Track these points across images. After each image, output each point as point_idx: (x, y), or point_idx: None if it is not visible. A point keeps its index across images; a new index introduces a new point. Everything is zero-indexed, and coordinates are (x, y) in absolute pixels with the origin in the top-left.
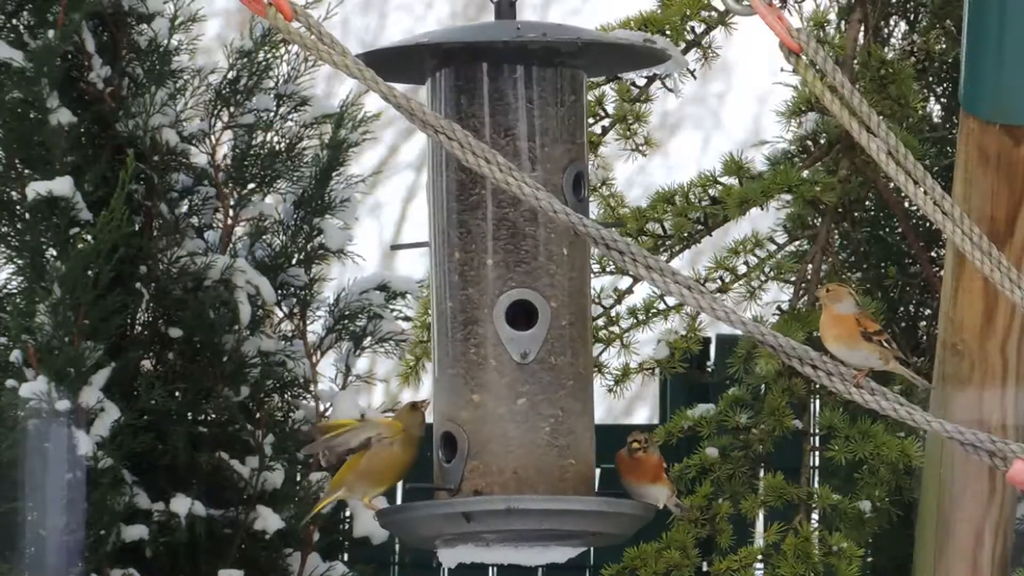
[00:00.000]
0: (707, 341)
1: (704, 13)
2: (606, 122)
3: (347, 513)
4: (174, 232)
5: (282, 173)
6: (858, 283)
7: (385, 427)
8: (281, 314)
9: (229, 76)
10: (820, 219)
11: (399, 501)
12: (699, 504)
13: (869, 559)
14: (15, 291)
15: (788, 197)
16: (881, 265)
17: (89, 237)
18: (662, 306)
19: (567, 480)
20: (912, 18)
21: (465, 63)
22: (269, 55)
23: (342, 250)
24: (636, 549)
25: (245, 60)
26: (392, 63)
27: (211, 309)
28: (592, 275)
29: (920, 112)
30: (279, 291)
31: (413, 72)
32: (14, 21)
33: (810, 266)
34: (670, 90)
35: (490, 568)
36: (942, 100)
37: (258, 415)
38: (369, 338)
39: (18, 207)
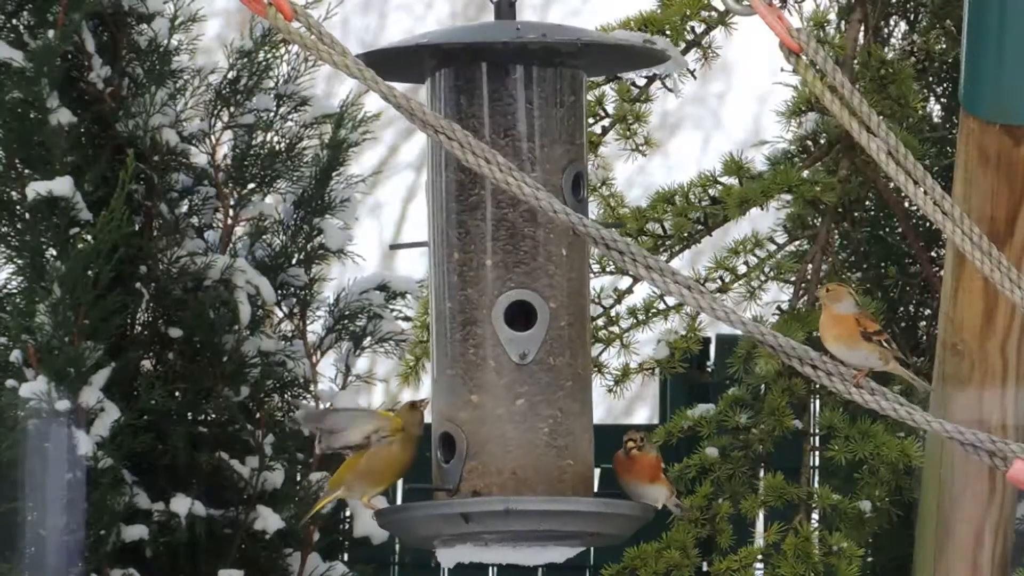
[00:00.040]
0: (707, 341)
1: (704, 13)
2: (606, 122)
3: (347, 513)
4: (174, 232)
5: (282, 173)
6: (858, 283)
7: (385, 423)
8: (281, 314)
9: (229, 76)
10: (820, 219)
11: (399, 501)
12: (699, 504)
13: (869, 559)
14: (15, 291)
15: (788, 197)
16: (881, 265)
17: (89, 237)
18: (662, 306)
19: (565, 481)
20: (912, 18)
21: (465, 63)
22: (269, 55)
23: (342, 250)
24: (636, 549)
25: (245, 60)
26: (392, 63)
27: (211, 309)
28: (592, 275)
29: (920, 112)
30: (279, 291)
31: (413, 72)
32: (14, 21)
33: (810, 266)
34: (670, 90)
35: (490, 568)
36: (942, 100)
37: (258, 415)
38: (369, 338)
39: (18, 207)
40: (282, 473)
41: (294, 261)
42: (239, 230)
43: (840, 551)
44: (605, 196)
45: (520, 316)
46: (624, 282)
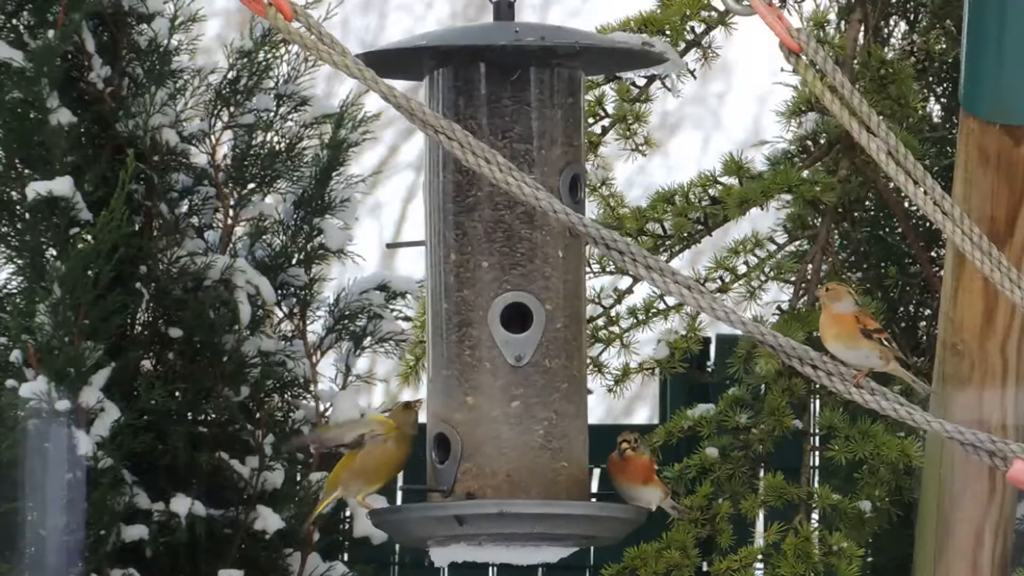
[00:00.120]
0: (707, 341)
1: (704, 13)
2: (606, 122)
3: (347, 513)
4: (174, 232)
5: (282, 173)
6: (858, 283)
7: (378, 424)
8: (281, 314)
9: (229, 76)
10: (820, 219)
11: (399, 502)
12: (699, 504)
13: (869, 559)
14: (15, 291)
15: (788, 197)
16: (881, 265)
17: (89, 237)
18: (662, 306)
19: (560, 483)
20: (912, 18)
21: (463, 64)
22: (269, 55)
23: (342, 250)
24: (636, 549)
25: (245, 60)
26: (392, 63)
27: (211, 309)
28: (592, 275)
29: (920, 112)
30: (279, 291)
31: (413, 72)
32: (14, 21)
33: (810, 266)
34: (669, 90)
35: (490, 568)
36: (942, 100)
37: (258, 415)
38: (369, 338)
39: (18, 207)
40: (282, 473)
41: (294, 261)
42: (239, 230)
43: (840, 551)
44: (605, 196)
45: (516, 318)
46: (624, 282)
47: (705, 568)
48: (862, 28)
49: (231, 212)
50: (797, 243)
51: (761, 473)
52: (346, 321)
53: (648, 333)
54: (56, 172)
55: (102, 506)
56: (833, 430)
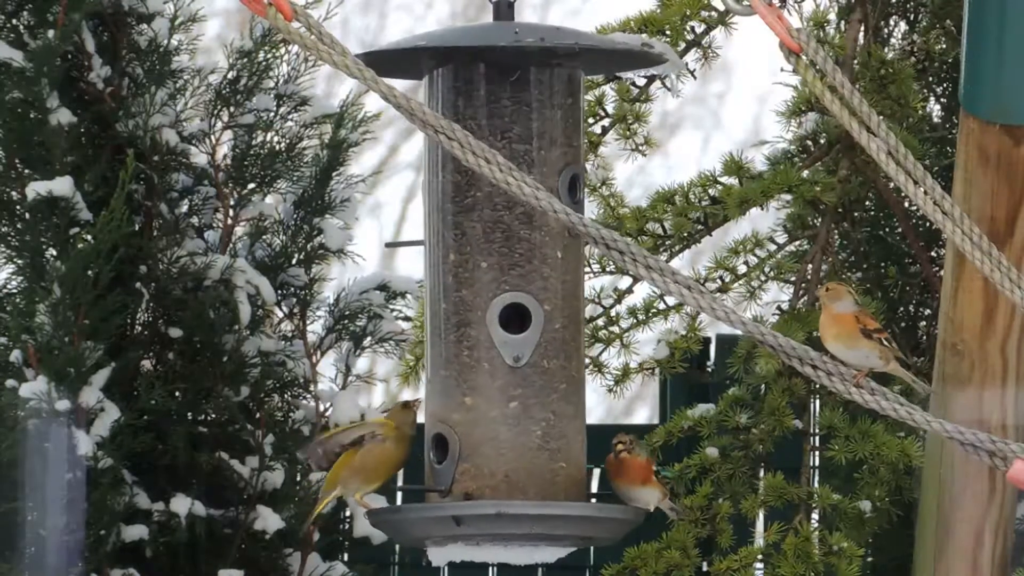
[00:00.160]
0: (707, 341)
1: (704, 13)
2: (606, 122)
3: (347, 513)
4: (174, 232)
5: (282, 173)
6: (858, 283)
7: (377, 425)
8: (281, 314)
9: (229, 76)
10: (820, 219)
11: (399, 502)
12: (699, 504)
13: (869, 559)
14: (15, 291)
15: (788, 197)
16: (881, 265)
17: (89, 237)
18: (662, 306)
19: (558, 484)
20: (912, 18)
21: (463, 65)
22: (269, 55)
23: (342, 250)
24: (636, 549)
25: (245, 60)
26: (391, 63)
27: (211, 309)
28: (592, 275)
29: (920, 112)
30: (279, 291)
31: (412, 72)
32: (14, 21)
33: (810, 266)
34: (669, 90)
35: (490, 568)
36: (942, 100)
37: (258, 415)
38: (369, 338)
39: (18, 207)
40: (282, 473)
41: (294, 261)
42: (239, 230)
43: (840, 551)
44: (605, 196)
45: (515, 319)
46: (624, 282)
47: (705, 568)
48: (862, 28)
49: (231, 212)
50: (797, 243)
51: (761, 473)
52: (346, 321)
53: (648, 333)
54: (56, 172)
55: (102, 506)
56: (833, 430)
